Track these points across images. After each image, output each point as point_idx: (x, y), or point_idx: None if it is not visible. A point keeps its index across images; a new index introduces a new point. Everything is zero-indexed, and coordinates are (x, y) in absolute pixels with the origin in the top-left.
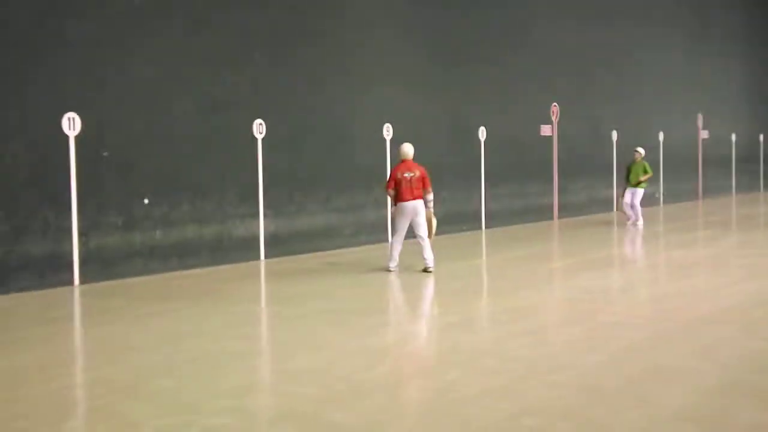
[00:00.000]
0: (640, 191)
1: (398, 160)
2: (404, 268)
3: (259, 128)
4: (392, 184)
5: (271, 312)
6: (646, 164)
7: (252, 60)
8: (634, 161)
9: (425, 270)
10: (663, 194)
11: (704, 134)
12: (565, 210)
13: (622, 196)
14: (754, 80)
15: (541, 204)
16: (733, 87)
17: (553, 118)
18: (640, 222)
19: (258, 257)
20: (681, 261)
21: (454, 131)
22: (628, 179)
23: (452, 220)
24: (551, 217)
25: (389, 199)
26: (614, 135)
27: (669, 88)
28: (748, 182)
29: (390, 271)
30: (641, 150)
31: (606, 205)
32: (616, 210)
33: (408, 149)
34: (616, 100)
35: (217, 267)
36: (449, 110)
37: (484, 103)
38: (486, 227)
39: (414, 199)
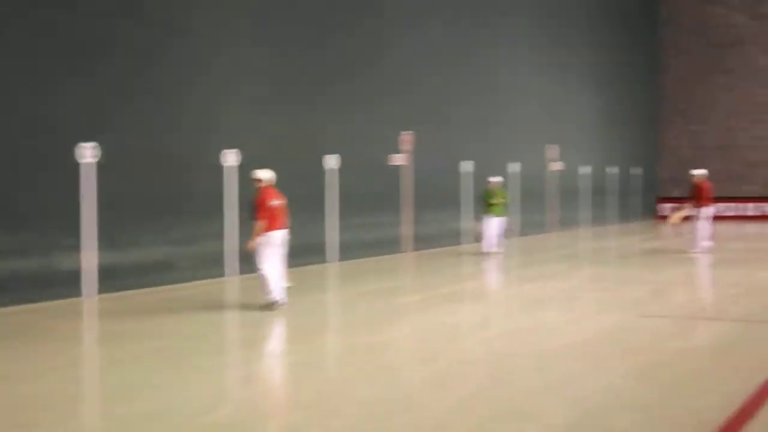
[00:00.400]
0: (498, 220)
1: (259, 187)
2: (245, 304)
3: (86, 152)
4: (265, 212)
5: (101, 352)
6: (503, 191)
7: (83, 78)
8: (489, 189)
9: (272, 306)
10: (516, 227)
11: (558, 165)
12: (420, 242)
13: (480, 226)
14: (608, 112)
15: (395, 236)
16: (588, 118)
17: (407, 147)
18: (496, 252)
19: (87, 292)
20: (533, 295)
21: (303, 157)
22: (487, 208)
23: (300, 252)
24: (405, 249)
25: (257, 229)
26: (470, 165)
27: (525, 119)
28: (603, 214)
29: (274, 305)
30: (497, 178)
31: (461, 236)
32: (479, 240)
33: (272, 175)
34: (472, 129)
35: (40, 303)
36: (298, 135)
37: (335, 130)
38: (338, 260)
39: (283, 228)
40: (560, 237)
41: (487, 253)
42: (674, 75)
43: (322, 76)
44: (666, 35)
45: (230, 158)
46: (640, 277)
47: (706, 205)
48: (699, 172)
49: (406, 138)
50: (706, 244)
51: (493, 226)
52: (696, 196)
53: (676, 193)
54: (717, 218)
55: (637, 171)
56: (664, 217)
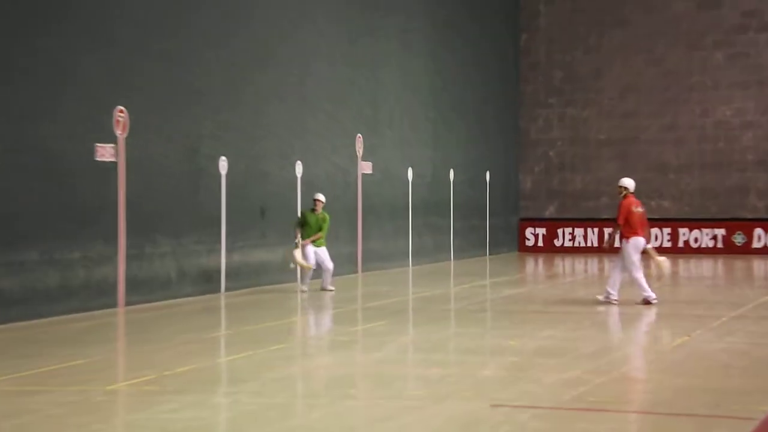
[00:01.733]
0: (323, 250)
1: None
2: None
3: None
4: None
5: None
6: (328, 217)
7: None
8: (313, 210)
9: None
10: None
11: (366, 168)
12: (139, 289)
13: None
14: (443, 89)
15: (101, 279)
16: (412, 97)
17: (118, 132)
18: (331, 289)
19: None
20: (327, 375)
21: None
22: (303, 233)
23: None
24: (116, 303)
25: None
26: (222, 164)
27: (315, 96)
28: (441, 244)
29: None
30: (322, 197)
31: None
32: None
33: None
34: (228, 108)
35: None
36: None
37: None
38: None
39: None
40: (373, 279)
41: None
42: (544, 31)
43: None
44: None
45: None
46: (494, 343)
47: (632, 233)
48: (624, 183)
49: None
50: (613, 292)
51: (319, 255)
52: (618, 219)
53: (549, 213)
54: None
55: (491, 178)
56: (533, 249)
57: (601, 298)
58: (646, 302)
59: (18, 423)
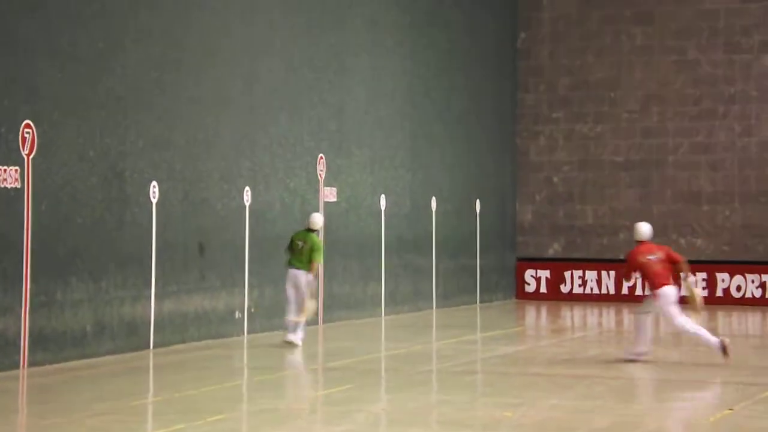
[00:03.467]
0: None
1: None
2: None
3: None
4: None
5: None
6: (318, 241)
7: None
8: (307, 230)
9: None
10: (249, 311)
11: (329, 194)
12: (47, 345)
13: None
14: (427, 101)
15: None
16: (389, 111)
17: (24, 152)
18: (299, 337)
19: None
20: None
21: None
22: (292, 260)
23: None
24: (17, 363)
25: None
26: (153, 190)
27: (267, 106)
28: (421, 288)
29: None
30: (319, 219)
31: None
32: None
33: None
34: (159, 122)
35: None
36: None
37: None
38: None
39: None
40: (337, 332)
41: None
42: (548, 29)
43: None
44: None
45: None
46: (486, 414)
47: (654, 287)
48: (641, 230)
49: None
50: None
51: (302, 285)
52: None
53: (553, 251)
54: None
55: (482, 207)
56: (534, 295)
57: (630, 356)
58: (723, 351)
59: None
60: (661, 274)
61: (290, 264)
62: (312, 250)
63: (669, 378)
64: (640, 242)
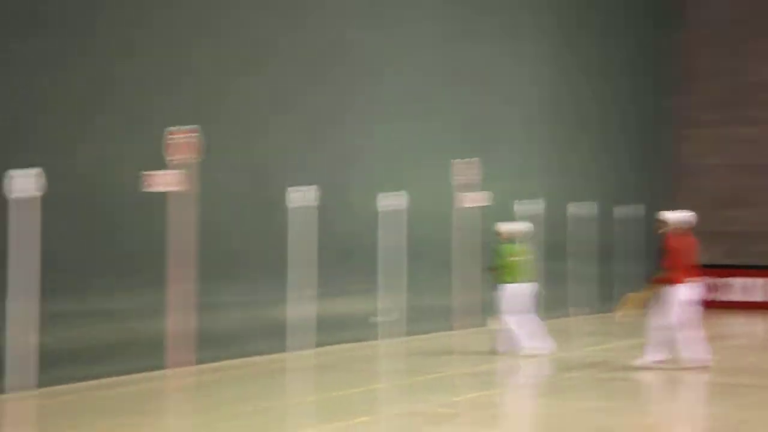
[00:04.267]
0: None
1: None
2: None
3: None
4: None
5: None
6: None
7: None
8: (500, 242)
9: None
10: (389, 316)
11: (478, 198)
12: (196, 346)
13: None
14: (573, 103)
15: (151, 334)
16: (533, 114)
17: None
18: (547, 347)
19: None
20: None
21: None
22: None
23: None
24: (165, 363)
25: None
26: (307, 196)
27: (413, 118)
28: (566, 293)
29: None
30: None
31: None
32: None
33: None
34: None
35: None
36: None
37: None
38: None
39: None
40: (470, 339)
41: (530, 355)
42: (707, 29)
43: None
44: None
45: None
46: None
47: (681, 278)
48: (674, 217)
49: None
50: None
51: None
52: (665, 262)
53: (706, 258)
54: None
55: (633, 212)
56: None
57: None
58: None
59: None
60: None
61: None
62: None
63: None
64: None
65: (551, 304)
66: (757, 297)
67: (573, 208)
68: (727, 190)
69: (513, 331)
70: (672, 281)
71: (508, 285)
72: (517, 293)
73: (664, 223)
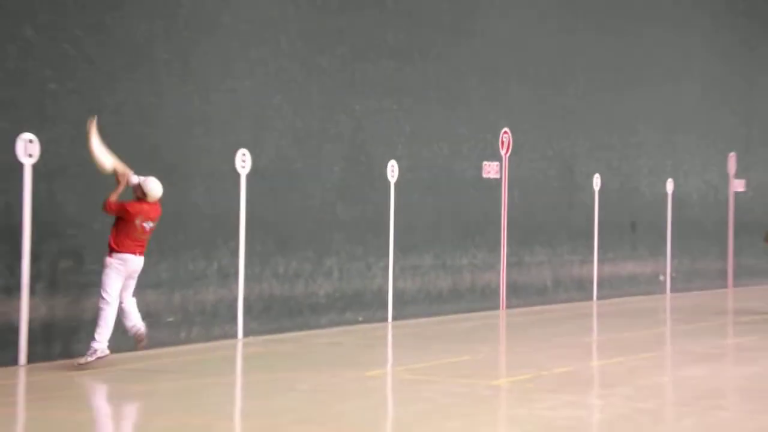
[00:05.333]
0: None
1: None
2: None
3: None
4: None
5: None
6: None
7: None
8: None
9: (139, 339)
10: (671, 276)
11: (738, 185)
12: (518, 294)
13: None
14: None
15: (485, 284)
16: None
17: (503, 152)
18: None
19: None
20: (697, 385)
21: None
22: None
23: (347, 305)
24: (498, 305)
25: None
26: (596, 180)
27: (686, 116)
28: None
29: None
30: None
31: (579, 286)
32: None
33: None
34: (601, 128)
35: None
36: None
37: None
38: (393, 318)
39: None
40: (744, 295)
41: None
42: None
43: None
44: None
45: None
46: None
47: None
48: None
49: (504, 138)
50: None
51: None
52: None
53: None
54: None
55: None
56: None
57: None
58: None
59: (414, 410)
60: None
61: None
62: None
63: None
64: None
65: None
66: None
67: None
68: None
69: None
70: None
71: None
72: None
73: None
